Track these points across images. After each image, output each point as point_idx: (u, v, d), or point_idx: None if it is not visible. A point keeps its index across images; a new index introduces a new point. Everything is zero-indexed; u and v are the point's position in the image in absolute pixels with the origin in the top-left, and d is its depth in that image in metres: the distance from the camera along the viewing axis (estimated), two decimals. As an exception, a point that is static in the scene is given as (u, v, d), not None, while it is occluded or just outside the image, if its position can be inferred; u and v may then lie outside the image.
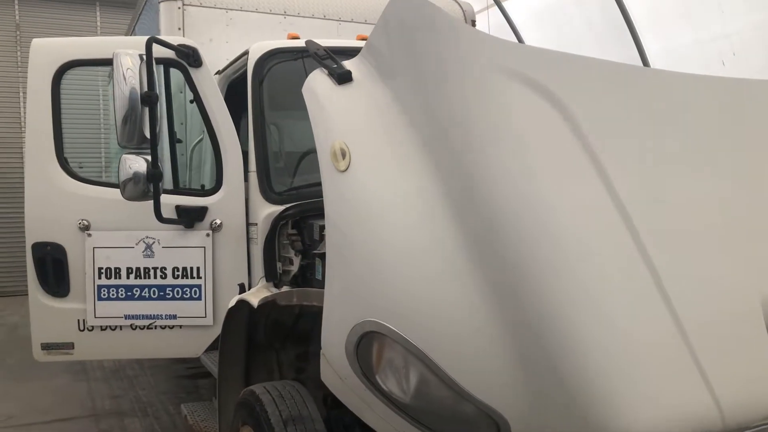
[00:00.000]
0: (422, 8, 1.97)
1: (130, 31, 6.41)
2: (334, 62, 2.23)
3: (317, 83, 2.22)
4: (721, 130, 2.19)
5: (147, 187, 3.16)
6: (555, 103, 1.98)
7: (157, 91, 3.19)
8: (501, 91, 1.94)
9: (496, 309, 1.88)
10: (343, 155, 2.03)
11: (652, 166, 2.06)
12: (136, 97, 3.11)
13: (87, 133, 9.40)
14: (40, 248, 3.62)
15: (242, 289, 3.49)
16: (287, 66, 3.79)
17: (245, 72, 3.79)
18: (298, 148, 3.71)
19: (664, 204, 2.01)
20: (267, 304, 3.04)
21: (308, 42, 2.44)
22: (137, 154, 3.17)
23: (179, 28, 4.71)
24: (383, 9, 2.12)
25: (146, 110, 3.14)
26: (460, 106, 1.94)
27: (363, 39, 4.16)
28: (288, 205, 3.37)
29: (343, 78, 2.15)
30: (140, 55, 3.19)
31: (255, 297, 3.12)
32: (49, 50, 3.70)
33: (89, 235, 3.58)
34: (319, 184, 3.53)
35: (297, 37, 4.01)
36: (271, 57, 3.74)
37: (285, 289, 3.32)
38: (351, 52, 2.29)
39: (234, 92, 4.10)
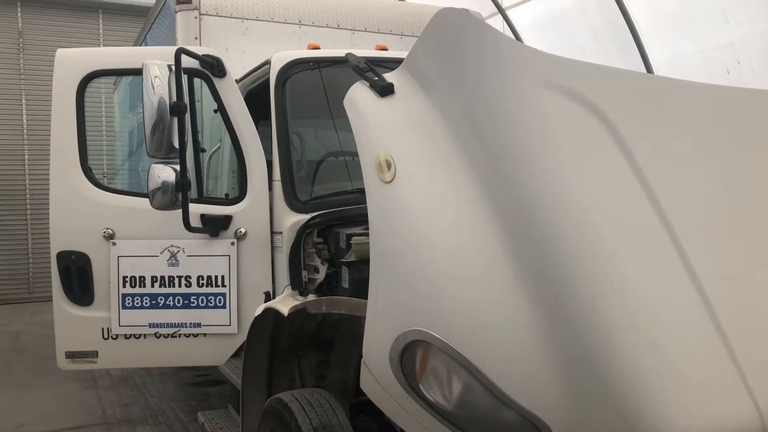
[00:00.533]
0: (468, 21, 2.01)
1: (141, 40, 6.44)
2: (375, 75, 2.26)
3: (359, 96, 2.25)
4: (757, 141, 2.24)
5: (175, 196, 3.18)
6: (597, 113, 2.02)
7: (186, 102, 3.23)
8: (545, 103, 1.98)
9: (541, 315, 1.91)
10: (389, 167, 2.07)
11: (690, 173, 2.11)
12: (164, 108, 3.14)
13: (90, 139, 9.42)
14: (64, 257, 3.63)
15: (268, 297, 3.52)
16: (309, 76, 3.83)
17: (266, 81, 3.83)
18: (321, 156, 3.75)
19: (704, 210, 2.05)
20: (295, 312, 3.06)
21: (349, 54, 2.48)
22: (165, 163, 3.20)
23: (196, 38, 4.75)
24: (421, 20, 2.16)
25: (175, 120, 3.17)
26: (504, 117, 1.98)
27: (382, 49, 4.22)
28: (314, 214, 3.40)
29: (385, 90, 2.19)
30: (168, 65, 3.22)
31: (283, 305, 3.15)
32: (74, 60, 3.72)
33: (114, 243, 3.59)
34: (343, 192, 3.63)
35: (317, 47, 4.05)
36: (294, 67, 3.77)
37: (312, 297, 3.35)
38: (388, 64, 2.33)
39: (253, 101, 4.13)
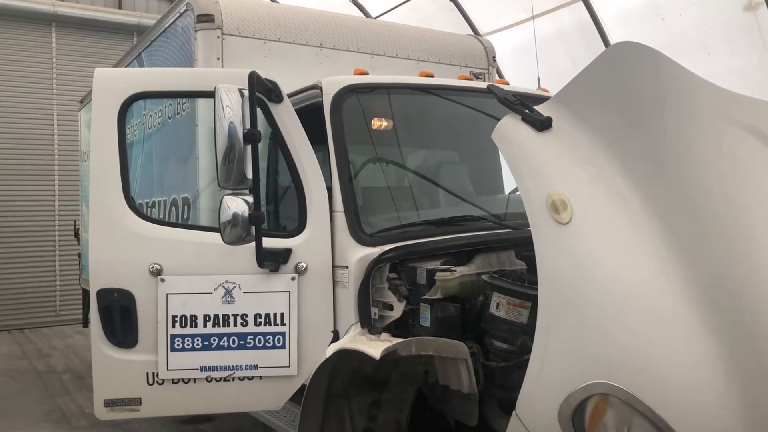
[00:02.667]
0: (647, 53, 1.93)
1: (132, 59, 6.09)
2: (525, 108, 2.14)
3: (512, 130, 2.13)
4: None
5: (246, 230, 2.97)
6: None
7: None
8: (723, 135, 1.92)
9: (731, 365, 1.83)
10: (564, 207, 1.95)
11: None
12: (237, 135, 2.93)
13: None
14: (105, 295, 3.31)
15: (336, 336, 3.31)
16: (366, 101, 3.69)
17: (313, 106, 3.65)
18: (383, 186, 3.59)
19: None
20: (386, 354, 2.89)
21: (492, 86, 2.35)
22: (234, 194, 2.98)
23: (218, 58, 4.51)
24: (585, 63, 2.07)
25: (248, 149, 2.96)
26: (683, 149, 1.91)
27: (427, 75, 4.11)
28: (387, 248, 3.23)
29: (544, 125, 2.07)
30: (240, 90, 3.01)
31: (370, 347, 2.96)
32: (114, 81, 3.44)
33: (162, 280, 3.31)
34: (410, 225, 3.47)
35: (365, 73, 3.90)
36: (351, 92, 3.62)
37: (386, 336, 3.17)
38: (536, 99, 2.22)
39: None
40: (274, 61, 4.70)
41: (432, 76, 4.06)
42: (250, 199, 2.99)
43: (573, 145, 2.03)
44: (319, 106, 3.64)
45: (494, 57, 5.85)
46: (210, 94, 3.10)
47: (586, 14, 8.24)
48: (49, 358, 9.23)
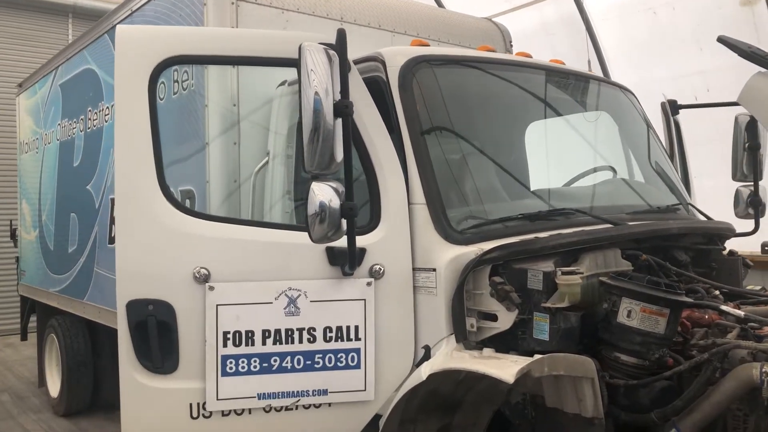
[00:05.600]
0: None
1: (112, 25, 5.22)
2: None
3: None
4: None
5: (337, 225, 2.39)
6: None
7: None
8: None
9: None
10: None
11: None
12: (323, 107, 2.36)
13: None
14: (138, 308, 2.64)
15: (427, 353, 2.77)
16: (437, 75, 3.17)
17: (372, 80, 3.09)
18: (467, 173, 3.07)
19: None
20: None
21: (724, 38, 1.88)
22: (321, 181, 2.40)
23: (232, 27, 3.87)
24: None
25: (338, 124, 2.39)
26: None
27: (488, 50, 3.63)
28: (488, 246, 2.72)
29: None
30: (327, 51, 2.43)
31: (488, 367, 2.44)
32: (141, 42, 2.76)
33: (211, 288, 2.67)
34: (506, 219, 2.97)
35: (425, 44, 3.37)
36: (419, 64, 3.09)
37: (489, 351, 2.66)
38: None
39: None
40: (293, 33, 4.10)
41: (493, 51, 3.58)
42: (341, 187, 2.41)
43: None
44: (377, 82, 3.09)
45: (511, 42, 5.44)
46: (268, 62, 2.51)
47: (572, 6, 7.96)
48: (-22, 376, 8.15)
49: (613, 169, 3.55)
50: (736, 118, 4.29)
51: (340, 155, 2.38)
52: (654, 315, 2.52)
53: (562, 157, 3.66)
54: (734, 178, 4.32)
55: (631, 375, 2.60)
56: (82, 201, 5.58)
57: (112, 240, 4.99)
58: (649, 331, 2.53)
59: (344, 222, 2.42)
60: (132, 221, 2.68)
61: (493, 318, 2.70)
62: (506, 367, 2.37)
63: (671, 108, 4.49)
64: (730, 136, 4.43)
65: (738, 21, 6.96)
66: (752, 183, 4.24)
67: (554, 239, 2.75)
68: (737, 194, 4.33)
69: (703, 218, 3.72)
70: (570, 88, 3.55)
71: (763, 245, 4.46)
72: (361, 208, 2.76)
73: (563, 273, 2.57)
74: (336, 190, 2.39)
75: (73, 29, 10.73)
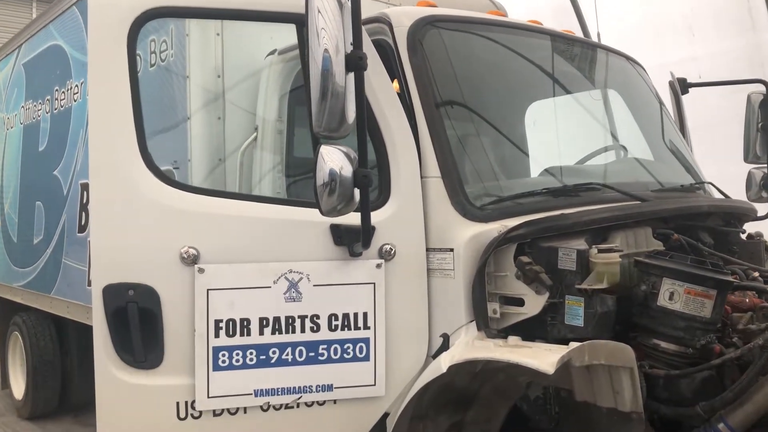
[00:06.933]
0: None
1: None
2: None
3: None
4: None
5: (349, 195, 2.09)
6: None
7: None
8: None
9: None
10: None
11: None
12: (332, 59, 2.05)
13: None
14: (116, 293, 2.30)
15: (446, 342, 2.48)
16: (448, 39, 2.88)
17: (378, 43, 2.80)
18: (483, 145, 2.79)
19: None
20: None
21: None
22: (331, 144, 2.10)
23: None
24: None
25: (351, 79, 2.09)
26: None
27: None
28: (513, 223, 2.44)
29: None
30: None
31: (522, 356, 2.16)
32: (119, -8, 2.42)
33: (200, 270, 2.34)
34: (528, 194, 2.70)
35: (433, 5, 3.09)
36: (428, 25, 2.80)
37: (515, 339, 2.38)
38: None
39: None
40: None
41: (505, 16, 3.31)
42: (353, 152, 2.11)
43: None
44: (381, 46, 2.79)
45: (507, 20, 5.18)
46: (267, 16, 2.22)
47: (561, -8, 7.74)
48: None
49: (637, 142, 3.31)
50: (749, 97, 4.09)
51: (352, 115, 2.08)
52: (700, 297, 2.27)
53: (582, 131, 3.40)
54: (746, 159, 4.12)
55: (671, 364, 2.35)
56: (48, 188, 5.18)
57: (82, 228, 4.61)
58: (694, 314, 2.28)
59: (357, 192, 2.11)
60: (109, 195, 2.34)
61: (519, 303, 2.43)
62: (542, 357, 2.09)
63: (681, 86, 4.27)
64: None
65: (731, 6, 6.83)
66: (766, 165, 4.04)
67: (586, 215, 2.48)
68: (750, 177, 4.13)
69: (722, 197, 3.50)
70: (588, 60, 3.30)
71: (776, 229, 4.27)
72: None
73: (600, 251, 2.30)
74: (348, 155, 2.09)
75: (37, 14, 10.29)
